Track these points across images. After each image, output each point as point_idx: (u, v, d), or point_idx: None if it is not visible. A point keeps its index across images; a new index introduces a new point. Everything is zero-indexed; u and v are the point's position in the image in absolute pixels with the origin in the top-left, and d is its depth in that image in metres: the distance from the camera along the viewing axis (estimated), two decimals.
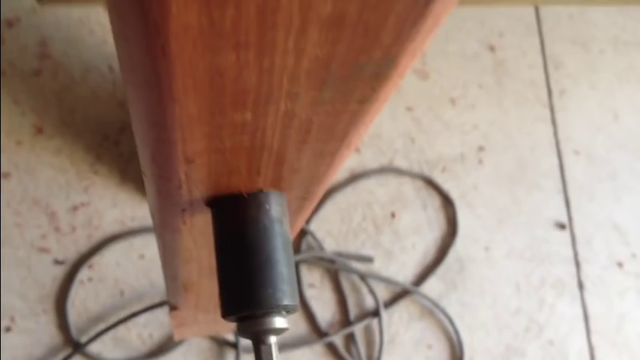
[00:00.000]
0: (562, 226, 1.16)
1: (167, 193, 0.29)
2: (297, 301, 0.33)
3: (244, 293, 0.32)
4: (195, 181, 0.28)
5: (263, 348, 0.34)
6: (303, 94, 0.22)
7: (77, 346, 1.01)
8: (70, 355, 1.00)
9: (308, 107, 0.23)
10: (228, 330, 0.93)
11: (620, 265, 1.17)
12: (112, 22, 0.19)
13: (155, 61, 0.19)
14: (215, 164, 0.27)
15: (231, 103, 0.22)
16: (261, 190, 0.31)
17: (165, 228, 0.35)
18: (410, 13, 0.19)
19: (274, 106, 0.23)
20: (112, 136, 1.08)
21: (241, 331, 0.34)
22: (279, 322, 0.33)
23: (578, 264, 1.16)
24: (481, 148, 1.17)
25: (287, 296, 0.32)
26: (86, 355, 1.01)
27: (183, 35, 0.18)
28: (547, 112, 1.20)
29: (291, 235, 0.38)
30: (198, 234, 0.36)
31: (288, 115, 0.24)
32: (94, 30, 1.11)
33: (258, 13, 0.18)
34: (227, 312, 0.33)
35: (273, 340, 0.34)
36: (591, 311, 1.14)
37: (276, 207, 0.32)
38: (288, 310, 0.33)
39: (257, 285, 0.32)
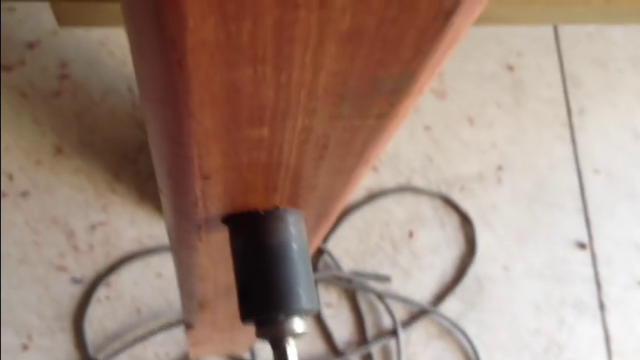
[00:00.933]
0: (582, 246, 1.15)
1: (183, 210, 0.29)
2: (315, 305, 0.33)
3: (263, 297, 0.32)
4: (211, 198, 0.28)
5: (281, 351, 0.34)
6: (320, 110, 0.22)
7: None
8: None
9: (325, 123, 0.23)
10: (244, 349, 0.93)
11: None
12: (129, 37, 0.19)
13: (172, 75, 0.19)
14: (231, 181, 0.27)
15: (248, 119, 0.22)
16: (277, 208, 0.31)
17: (181, 245, 0.35)
18: (430, 27, 0.19)
19: (291, 121, 0.23)
20: (130, 156, 1.09)
21: (260, 335, 0.34)
22: (297, 325, 0.33)
23: (598, 284, 1.14)
24: (500, 167, 1.16)
25: (306, 300, 0.32)
26: None
27: (199, 49, 0.18)
28: (566, 131, 1.19)
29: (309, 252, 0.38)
30: (215, 251, 0.36)
31: (305, 130, 0.23)
32: (114, 52, 1.12)
33: (276, 27, 0.18)
34: (246, 315, 0.33)
35: (291, 343, 0.34)
36: (612, 332, 1.13)
37: (293, 224, 0.32)
38: (307, 314, 0.34)
39: (276, 289, 0.32)
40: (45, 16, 1.10)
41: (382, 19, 0.18)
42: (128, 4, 0.17)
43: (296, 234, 0.32)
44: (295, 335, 0.34)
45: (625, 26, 1.25)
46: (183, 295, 0.48)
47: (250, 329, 0.52)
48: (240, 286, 0.33)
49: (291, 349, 0.34)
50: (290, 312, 0.33)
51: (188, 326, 0.56)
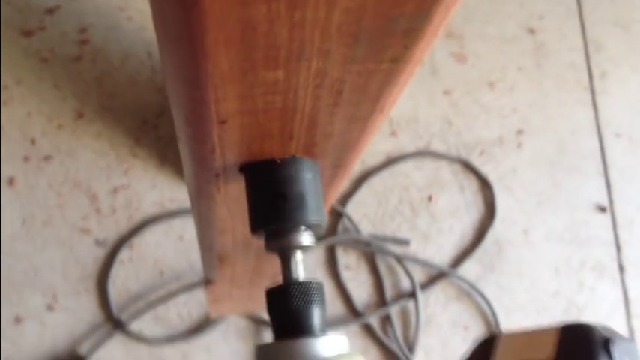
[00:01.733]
0: (602, 209, 1.15)
1: (201, 158, 0.30)
2: (323, 219, 0.34)
3: (273, 209, 0.33)
4: (228, 145, 0.28)
5: (290, 263, 0.35)
6: (334, 51, 0.22)
7: (118, 324, 1.03)
8: (111, 333, 1.02)
9: (340, 65, 0.23)
10: (263, 307, 0.94)
11: None
12: None
13: (187, 12, 0.19)
14: (248, 127, 0.27)
15: (263, 60, 0.22)
16: (293, 156, 0.32)
17: (200, 196, 0.36)
18: None
19: (306, 63, 0.23)
20: (150, 121, 1.09)
21: (269, 246, 0.35)
22: (305, 238, 0.34)
23: (618, 247, 1.14)
24: (520, 132, 1.16)
25: (313, 213, 0.33)
26: (127, 332, 1.03)
27: None
28: (588, 95, 1.18)
29: (325, 206, 0.39)
30: (232, 202, 0.36)
31: (319, 73, 0.24)
32: (133, 17, 1.12)
33: None
34: (255, 226, 0.34)
35: (299, 255, 0.35)
36: (632, 294, 1.13)
37: (309, 173, 0.32)
38: (315, 228, 0.34)
39: (285, 203, 0.33)
40: None
41: None
42: None
43: (311, 178, 0.32)
44: (303, 248, 0.35)
45: None
46: (203, 250, 0.49)
47: (269, 283, 0.53)
48: (250, 198, 0.34)
49: (299, 261, 0.35)
50: (298, 224, 0.33)
51: (208, 282, 0.57)
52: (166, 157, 1.09)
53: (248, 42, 0.21)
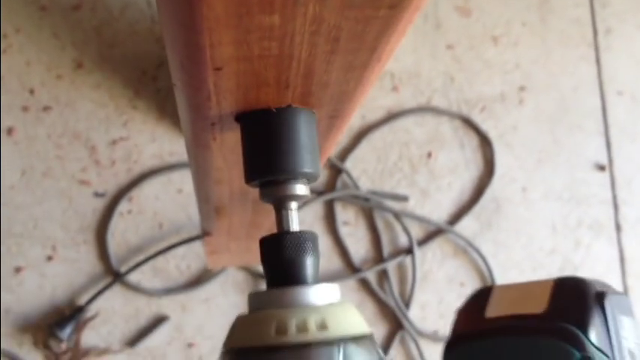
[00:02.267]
0: (602, 168, 1.15)
1: (197, 105, 0.29)
2: (317, 170, 0.34)
3: (268, 159, 0.33)
4: (224, 92, 0.28)
5: (284, 213, 0.35)
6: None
7: (117, 276, 1.04)
8: (110, 284, 1.03)
9: (337, 11, 0.23)
10: (260, 260, 0.94)
11: None
12: None
13: None
14: (243, 74, 0.27)
15: (259, 4, 0.22)
16: (289, 106, 0.31)
17: (197, 146, 0.36)
18: None
19: (302, 8, 0.22)
20: (150, 72, 1.09)
21: (263, 197, 0.35)
22: (300, 188, 0.34)
23: (616, 206, 1.14)
24: (522, 88, 1.15)
25: (308, 163, 0.33)
26: (126, 284, 1.04)
27: None
28: (591, 52, 1.17)
29: (321, 158, 0.39)
30: (228, 152, 0.36)
31: (316, 19, 0.23)
32: None
33: None
34: (250, 177, 0.34)
35: (294, 205, 0.35)
36: (627, 253, 1.13)
37: (305, 123, 0.32)
38: (309, 178, 0.34)
39: (279, 152, 0.33)
40: None
41: None
42: None
43: (307, 128, 0.32)
44: (298, 198, 0.35)
45: None
46: (200, 201, 0.49)
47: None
48: (246, 152, 0.34)
49: (294, 211, 0.35)
50: (293, 174, 0.34)
51: (205, 234, 0.57)
52: (165, 109, 1.09)
53: None
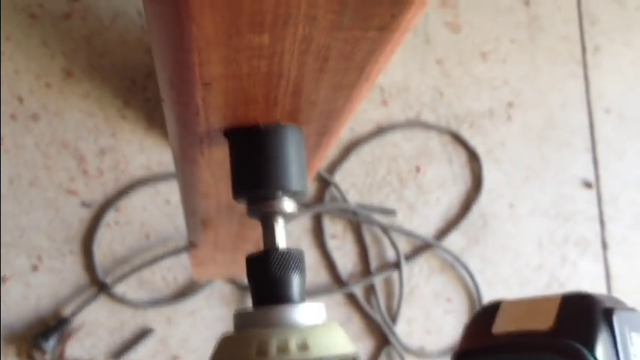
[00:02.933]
0: (589, 185, 1.15)
1: (185, 121, 0.29)
2: (305, 187, 0.34)
3: (255, 176, 0.33)
4: (212, 108, 0.28)
5: (270, 229, 0.35)
6: (321, 17, 0.22)
7: (102, 287, 1.03)
8: (95, 296, 1.02)
9: (326, 32, 0.23)
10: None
11: None
12: None
13: None
14: (232, 91, 0.27)
15: (248, 24, 0.22)
16: (277, 123, 0.31)
17: (184, 160, 0.35)
18: None
19: (292, 28, 0.23)
20: (139, 82, 1.08)
21: (250, 213, 0.35)
22: (287, 205, 0.34)
23: (602, 223, 1.15)
24: (510, 104, 1.16)
25: (295, 181, 0.33)
26: (111, 295, 1.03)
27: None
28: (580, 69, 1.18)
29: (308, 174, 0.39)
30: (216, 167, 0.36)
31: (305, 39, 0.23)
32: None
33: None
34: (238, 192, 0.34)
35: (280, 222, 0.35)
36: (613, 270, 1.14)
37: (293, 140, 0.32)
38: (297, 196, 0.35)
39: (267, 169, 0.33)
40: None
41: None
42: None
43: (295, 145, 0.32)
44: (285, 215, 0.35)
45: None
46: (187, 213, 0.49)
47: (253, 250, 0.53)
48: (234, 168, 0.34)
49: (280, 228, 0.35)
50: (280, 191, 0.34)
51: (192, 245, 0.57)
52: (154, 119, 1.08)
53: (233, 6, 0.21)
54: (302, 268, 0.34)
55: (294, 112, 0.30)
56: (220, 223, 0.48)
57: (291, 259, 0.34)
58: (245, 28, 0.22)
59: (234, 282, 1.06)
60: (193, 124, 0.30)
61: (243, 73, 0.25)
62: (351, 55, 0.25)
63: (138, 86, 1.08)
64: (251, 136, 0.32)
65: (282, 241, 0.35)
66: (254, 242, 0.62)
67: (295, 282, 0.34)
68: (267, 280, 0.34)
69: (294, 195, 0.34)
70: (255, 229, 0.57)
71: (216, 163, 0.36)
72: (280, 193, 0.34)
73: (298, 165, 0.33)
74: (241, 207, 0.45)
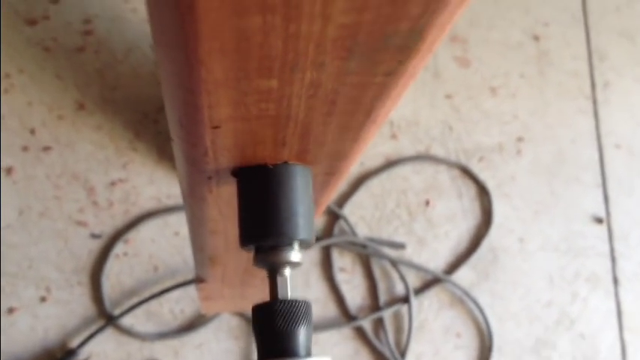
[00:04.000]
0: (599, 220, 1.15)
1: (194, 160, 0.30)
2: (312, 237, 0.34)
3: (263, 224, 0.33)
4: (221, 149, 0.28)
5: (277, 279, 0.35)
6: (328, 64, 0.22)
7: (110, 319, 1.03)
8: (103, 327, 1.02)
9: (334, 77, 0.23)
10: None
11: None
12: None
13: (182, 19, 0.19)
14: (241, 132, 0.27)
15: (257, 69, 0.22)
16: (286, 162, 0.32)
17: (192, 197, 0.36)
18: None
19: (300, 74, 0.23)
20: (151, 115, 1.09)
21: (257, 262, 0.35)
22: (294, 255, 0.34)
23: (613, 259, 1.14)
24: (520, 139, 1.16)
25: (303, 230, 0.33)
26: (119, 327, 1.03)
27: None
28: (589, 105, 1.18)
29: (317, 212, 0.39)
30: (224, 205, 0.36)
31: (313, 84, 0.24)
32: (137, 8, 1.12)
33: None
34: (245, 241, 0.34)
35: (287, 272, 0.35)
36: (625, 307, 1.13)
37: (301, 180, 0.32)
38: (303, 244, 0.34)
39: (275, 217, 0.33)
40: None
41: None
42: None
43: (303, 185, 0.32)
44: (292, 264, 0.35)
45: None
46: (195, 249, 0.49)
47: (260, 285, 0.53)
48: (241, 211, 0.34)
49: (287, 277, 0.35)
50: (287, 241, 0.33)
51: (199, 280, 0.57)
52: (165, 152, 1.09)
53: (242, 52, 0.21)
54: (309, 321, 0.34)
55: (302, 153, 0.30)
56: (228, 259, 0.48)
57: (298, 311, 0.34)
58: (254, 74, 0.22)
59: (242, 315, 1.05)
60: (202, 164, 0.30)
61: (252, 116, 0.26)
62: (359, 99, 0.25)
63: (149, 119, 1.09)
64: (260, 175, 0.32)
65: (288, 291, 0.35)
66: (262, 279, 0.62)
67: (301, 335, 0.33)
68: (272, 333, 0.34)
69: (301, 244, 0.34)
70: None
71: (224, 201, 0.36)
72: (288, 242, 0.34)
73: (306, 212, 0.33)
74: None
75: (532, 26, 1.19)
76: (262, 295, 0.75)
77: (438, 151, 1.14)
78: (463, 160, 1.14)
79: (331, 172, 0.33)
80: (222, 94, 0.24)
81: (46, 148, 1.07)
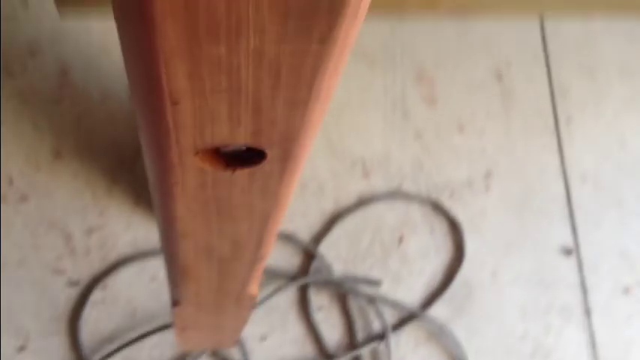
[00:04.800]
0: (569, 252, 1.17)
1: (158, 145, 0.32)
2: None
3: None
4: (182, 129, 0.31)
5: None
6: (268, 29, 0.25)
7: None
8: None
9: (274, 44, 0.26)
10: (232, 343, 0.94)
11: (626, 291, 1.17)
12: None
13: None
14: (199, 109, 0.29)
15: (206, 34, 0.25)
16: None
17: (161, 194, 0.38)
18: None
19: (244, 40, 0.25)
20: (127, 161, 1.12)
21: None
22: None
23: (585, 290, 1.16)
24: (489, 174, 1.19)
25: None
26: None
27: None
28: (554, 140, 1.22)
29: (281, 208, 0.41)
30: (191, 200, 0.38)
31: (257, 52, 0.26)
32: (113, 57, 1.15)
33: None
34: None
35: None
36: (598, 338, 1.14)
37: None
38: None
39: None
40: (46, 25, 1.14)
41: None
42: None
43: None
44: None
45: (612, 37, 1.27)
46: (167, 262, 0.51)
47: (234, 309, 0.54)
48: None
49: None
50: None
51: (174, 304, 0.58)
52: (142, 197, 1.11)
53: (191, 13, 0.24)
54: None
55: (256, 133, 0.32)
56: (200, 271, 0.50)
57: None
58: (203, 39, 0.25)
59: (223, 358, 1.06)
60: (166, 149, 0.32)
61: (206, 89, 0.28)
62: (299, 69, 0.28)
63: (125, 164, 1.12)
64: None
65: None
66: (235, 299, 0.63)
67: None
68: None
69: None
70: (235, 281, 0.58)
71: (190, 196, 0.38)
72: None
73: None
74: (219, 250, 0.47)
75: (496, 65, 1.24)
76: (237, 323, 0.76)
77: (409, 187, 1.17)
78: (434, 196, 1.17)
79: (285, 158, 0.35)
80: (178, 64, 0.26)
81: (24, 197, 1.09)
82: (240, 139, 0.32)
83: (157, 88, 0.27)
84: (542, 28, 1.26)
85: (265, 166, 0.36)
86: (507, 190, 1.19)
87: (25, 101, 1.11)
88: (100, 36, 1.15)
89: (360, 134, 1.17)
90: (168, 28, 0.24)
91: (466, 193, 1.18)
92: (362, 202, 1.15)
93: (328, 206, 1.14)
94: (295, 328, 1.09)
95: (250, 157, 0.34)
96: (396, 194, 1.16)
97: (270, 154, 0.34)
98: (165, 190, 0.37)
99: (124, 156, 1.12)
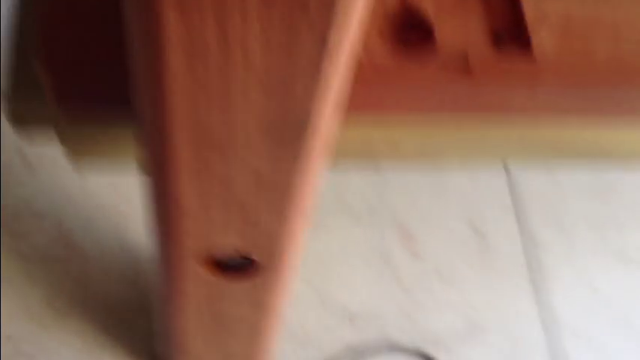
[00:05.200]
0: None
1: (166, 253, 0.38)
2: None
3: None
4: (186, 237, 0.37)
5: None
6: (261, 149, 0.32)
7: None
8: None
9: (264, 159, 0.33)
10: None
11: None
12: None
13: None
14: (204, 221, 0.36)
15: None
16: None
17: (168, 284, 0.42)
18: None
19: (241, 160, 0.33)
20: (126, 319, 1.15)
21: None
22: None
23: None
24: (472, 325, 1.23)
25: None
26: None
27: None
28: (531, 290, 1.27)
29: (275, 317, 0.46)
30: (193, 311, 0.43)
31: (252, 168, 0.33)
32: (115, 219, 1.21)
33: None
34: None
35: None
36: None
37: None
38: None
39: None
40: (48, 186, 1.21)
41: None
42: None
43: None
44: None
45: (579, 189, 1.36)
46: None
47: None
48: None
49: None
50: None
51: None
52: (141, 354, 1.13)
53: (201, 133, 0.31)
54: None
55: (244, 237, 0.38)
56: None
57: None
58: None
59: None
60: (170, 257, 0.38)
61: (212, 204, 0.35)
62: (277, 176, 0.34)
63: (125, 321, 1.14)
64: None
65: None
66: None
67: None
68: None
69: None
70: None
71: (193, 307, 0.43)
72: None
73: None
74: None
75: (472, 220, 1.31)
76: None
77: (397, 339, 1.20)
78: (422, 348, 1.20)
79: (273, 267, 0.41)
80: (188, 182, 0.33)
81: (24, 355, 1.10)
82: (231, 244, 0.38)
83: (170, 203, 0.34)
84: (509, 176, 1.34)
85: (257, 278, 0.41)
86: (491, 339, 1.22)
87: (28, 260, 1.16)
88: (96, 191, 1.21)
89: (346, 284, 1.21)
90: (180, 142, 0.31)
91: (452, 343, 1.21)
92: (350, 354, 1.18)
93: (315, 355, 1.17)
94: None
95: (243, 265, 0.40)
96: (383, 346, 1.20)
97: (259, 260, 0.40)
98: (174, 287, 0.42)
99: (123, 314, 1.15)
